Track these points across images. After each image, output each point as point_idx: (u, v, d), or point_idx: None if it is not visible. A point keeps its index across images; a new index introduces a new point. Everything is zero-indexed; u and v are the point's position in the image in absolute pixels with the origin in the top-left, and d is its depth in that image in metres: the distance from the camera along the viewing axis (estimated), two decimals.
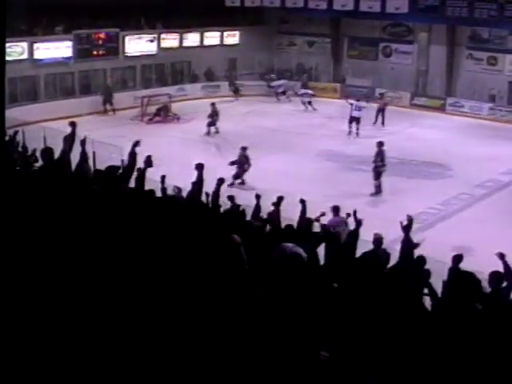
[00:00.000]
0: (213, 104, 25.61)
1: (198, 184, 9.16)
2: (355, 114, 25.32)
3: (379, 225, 14.10)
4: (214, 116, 25.26)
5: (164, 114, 28.08)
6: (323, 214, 10.66)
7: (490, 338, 5.34)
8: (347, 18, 32.56)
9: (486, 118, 28.97)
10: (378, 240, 9.57)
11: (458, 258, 8.15)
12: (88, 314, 5.16)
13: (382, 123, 26.92)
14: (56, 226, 6.55)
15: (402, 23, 32.30)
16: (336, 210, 13.22)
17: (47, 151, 9.23)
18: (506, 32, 29.06)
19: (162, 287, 5.86)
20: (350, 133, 25.54)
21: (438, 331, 5.52)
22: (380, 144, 18.80)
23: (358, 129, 25.35)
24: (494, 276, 7.20)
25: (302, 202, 10.27)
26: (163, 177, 10.68)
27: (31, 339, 4.79)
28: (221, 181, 9.63)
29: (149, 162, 10.41)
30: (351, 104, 25.59)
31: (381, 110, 27.08)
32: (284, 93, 32.64)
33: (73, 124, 9.98)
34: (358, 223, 9.41)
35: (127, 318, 5.19)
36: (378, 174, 18.38)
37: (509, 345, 5.24)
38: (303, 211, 10.16)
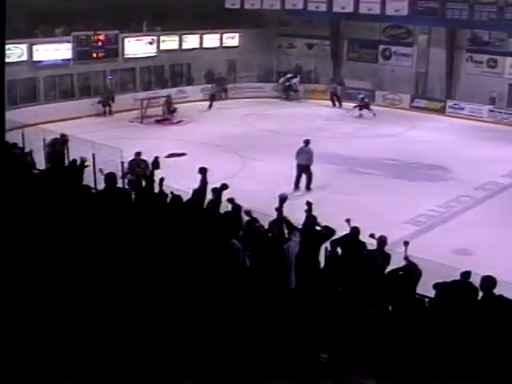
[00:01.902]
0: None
1: (202, 188, 9.19)
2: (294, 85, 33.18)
3: (379, 227, 14.11)
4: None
5: (167, 111, 27.99)
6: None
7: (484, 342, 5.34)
8: (347, 20, 32.47)
9: (486, 121, 28.95)
10: (382, 241, 9.60)
11: (466, 275, 7.95)
12: (90, 313, 5.16)
13: (210, 107, 30.69)
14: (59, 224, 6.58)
15: (401, 25, 32.28)
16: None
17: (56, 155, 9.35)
18: (505, 35, 29.05)
19: (161, 289, 5.86)
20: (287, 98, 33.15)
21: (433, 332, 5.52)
22: (137, 154, 16.57)
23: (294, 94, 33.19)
24: (486, 281, 7.13)
25: (309, 204, 10.31)
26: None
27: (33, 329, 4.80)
28: (224, 186, 9.61)
29: (156, 163, 10.54)
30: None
31: (213, 96, 31.11)
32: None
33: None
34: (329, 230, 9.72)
35: (127, 324, 5.18)
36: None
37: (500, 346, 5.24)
38: (309, 212, 10.21)
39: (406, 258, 9.41)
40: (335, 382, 5.38)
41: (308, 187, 18.55)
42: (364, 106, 29.19)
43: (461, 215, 17.30)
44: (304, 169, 18.69)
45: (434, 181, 20.27)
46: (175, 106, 28.30)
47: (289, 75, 33.72)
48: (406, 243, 9.75)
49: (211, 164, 20.58)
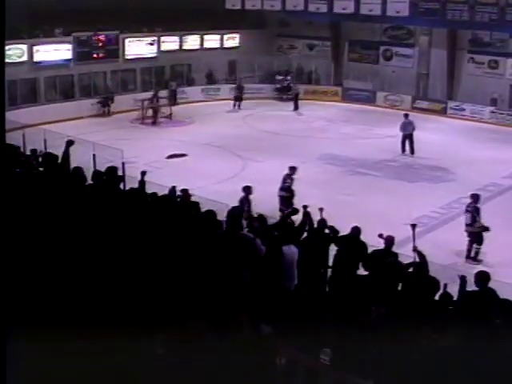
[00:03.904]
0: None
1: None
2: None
3: (380, 228, 14.05)
4: None
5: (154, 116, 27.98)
6: (321, 209, 10.56)
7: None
8: (348, 21, 32.46)
9: (487, 122, 28.91)
10: (389, 241, 9.51)
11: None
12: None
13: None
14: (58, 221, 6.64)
15: (402, 26, 32.25)
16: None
17: (49, 156, 9.38)
18: (506, 35, 29.00)
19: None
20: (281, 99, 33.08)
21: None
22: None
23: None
24: (481, 276, 7.09)
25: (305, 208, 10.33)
26: (143, 172, 10.81)
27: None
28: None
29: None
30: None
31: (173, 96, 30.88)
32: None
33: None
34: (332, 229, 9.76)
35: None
36: None
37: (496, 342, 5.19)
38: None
39: (414, 249, 8.88)
40: (336, 383, 5.35)
41: (412, 151, 23.06)
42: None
43: (462, 217, 17.21)
44: (409, 137, 23.17)
45: (436, 182, 20.21)
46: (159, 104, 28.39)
47: (280, 77, 33.62)
48: (414, 226, 9.37)
49: (211, 165, 20.71)
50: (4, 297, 4.31)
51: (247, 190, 13.94)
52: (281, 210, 13.57)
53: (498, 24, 27.09)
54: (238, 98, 31.15)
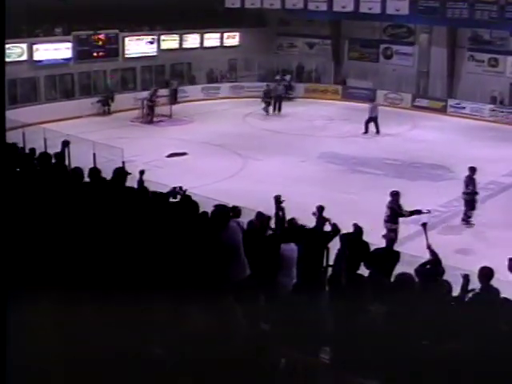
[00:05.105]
0: None
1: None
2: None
3: (381, 227, 14.06)
4: None
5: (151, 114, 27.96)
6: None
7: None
8: (347, 19, 32.45)
9: (487, 120, 28.89)
10: (391, 239, 9.51)
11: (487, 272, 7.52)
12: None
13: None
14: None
15: (402, 24, 32.23)
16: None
17: (44, 156, 9.40)
18: (506, 33, 29.00)
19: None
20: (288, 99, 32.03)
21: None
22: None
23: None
24: (484, 272, 7.08)
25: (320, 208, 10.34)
26: (142, 171, 10.82)
27: None
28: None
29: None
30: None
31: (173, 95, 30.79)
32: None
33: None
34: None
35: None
36: None
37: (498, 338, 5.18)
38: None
39: (428, 247, 8.67)
40: (336, 383, 5.33)
41: (378, 131, 25.74)
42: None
43: (462, 215, 17.23)
44: (374, 119, 25.68)
45: (436, 180, 20.20)
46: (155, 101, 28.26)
47: (279, 77, 33.35)
48: (425, 225, 9.24)
49: (212, 163, 20.72)
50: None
51: (395, 195, 14.45)
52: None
53: (498, 22, 27.08)
54: (268, 103, 29.94)
